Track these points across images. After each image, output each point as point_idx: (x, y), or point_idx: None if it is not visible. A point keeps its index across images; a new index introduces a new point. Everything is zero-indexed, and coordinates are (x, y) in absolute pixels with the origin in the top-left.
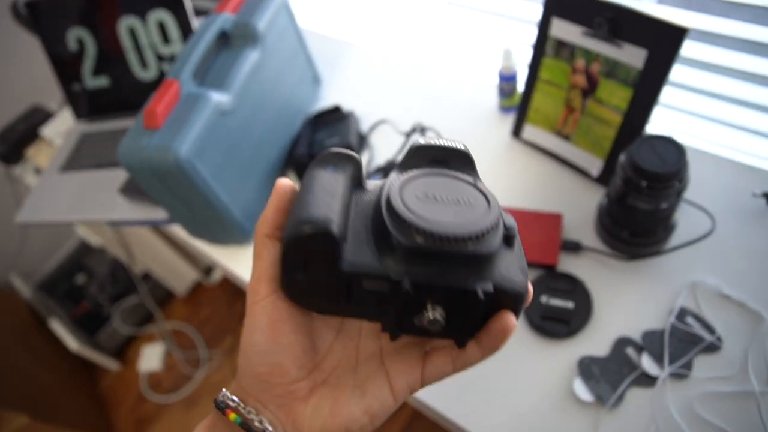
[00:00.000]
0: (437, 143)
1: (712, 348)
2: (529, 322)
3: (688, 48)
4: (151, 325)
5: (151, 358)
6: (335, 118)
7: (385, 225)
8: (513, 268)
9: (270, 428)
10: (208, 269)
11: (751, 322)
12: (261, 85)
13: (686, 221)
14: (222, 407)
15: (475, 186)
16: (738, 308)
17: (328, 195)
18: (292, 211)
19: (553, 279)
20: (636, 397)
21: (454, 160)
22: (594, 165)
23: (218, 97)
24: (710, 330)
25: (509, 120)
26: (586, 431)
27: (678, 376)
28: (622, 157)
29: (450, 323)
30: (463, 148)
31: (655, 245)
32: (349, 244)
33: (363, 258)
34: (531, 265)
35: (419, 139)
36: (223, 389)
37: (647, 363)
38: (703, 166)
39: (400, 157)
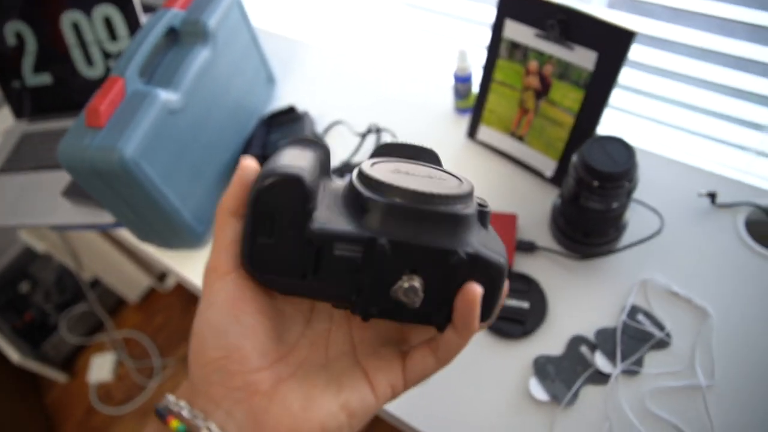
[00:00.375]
0: (404, 142)
1: (662, 344)
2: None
3: (637, 52)
4: (101, 334)
5: (101, 368)
6: (290, 118)
7: (357, 194)
8: (491, 244)
9: None
10: (161, 275)
11: (698, 317)
12: (212, 84)
13: (636, 221)
14: (163, 414)
15: (445, 170)
16: (685, 304)
17: (296, 157)
18: (260, 172)
19: (509, 279)
20: (590, 394)
21: (423, 158)
22: (548, 166)
23: (166, 96)
24: (660, 327)
25: (464, 121)
26: (543, 430)
27: (630, 372)
28: (574, 158)
29: (427, 297)
30: (430, 148)
31: (607, 244)
32: (320, 211)
33: (335, 222)
34: None
35: (386, 140)
36: (167, 394)
37: (600, 361)
38: (651, 167)
39: (356, 159)
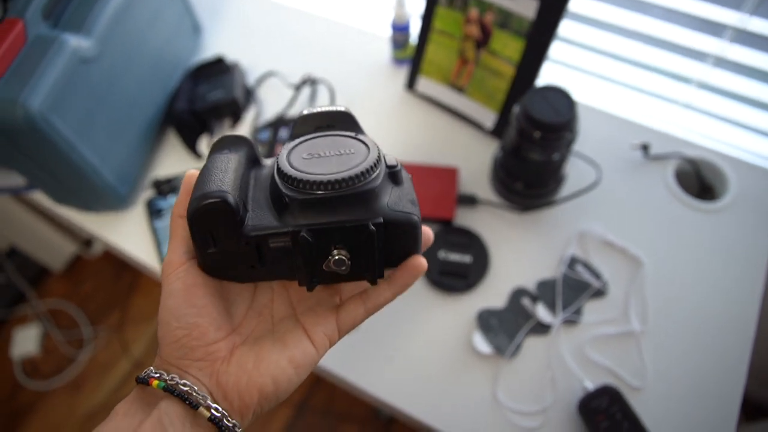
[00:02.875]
0: (319, 110)
1: (600, 293)
2: (428, 278)
3: (576, 3)
4: (23, 306)
5: (25, 341)
6: (218, 70)
7: (279, 192)
8: (402, 201)
9: (195, 387)
10: (87, 241)
11: (632, 266)
12: (130, 30)
13: (575, 173)
14: (144, 380)
15: (355, 138)
16: (621, 254)
17: (221, 172)
18: (195, 189)
19: (450, 233)
20: (532, 345)
21: (339, 122)
22: (488, 118)
23: (77, 42)
24: (597, 276)
25: (403, 72)
26: (487, 382)
27: (570, 322)
28: (516, 109)
29: (355, 262)
30: (344, 109)
31: (547, 196)
32: (251, 212)
33: (264, 221)
34: (427, 220)
35: (303, 112)
36: (149, 368)
37: (542, 312)
38: (587, 120)
39: (291, 112)
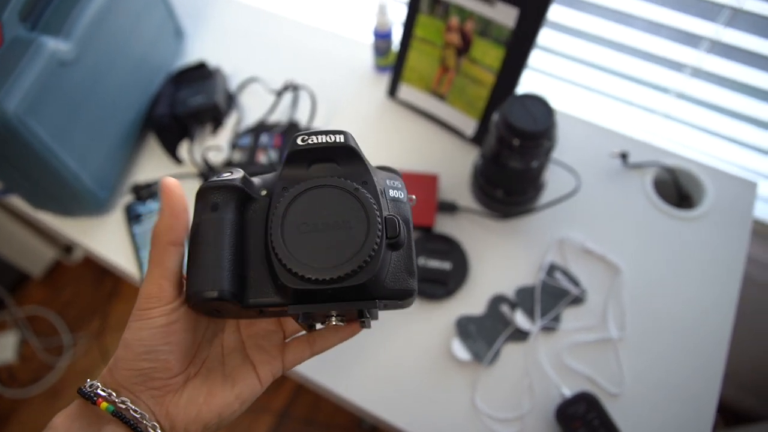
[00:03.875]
0: (316, 142)
1: (578, 300)
2: None
3: (555, 12)
4: (0, 313)
5: (2, 349)
6: (200, 75)
7: (274, 273)
8: (401, 273)
9: (146, 415)
10: (68, 247)
11: (611, 273)
12: (110, 34)
13: (554, 181)
14: (91, 397)
15: (355, 196)
16: (599, 261)
17: (213, 250)
18: (189, 271)
19: (430, 240)
20: (511, 352)
21: (340, 156)
22: (468, 125)
23: (55, 45)
24: (576, 283)
25: (385, 80)
26: (465, 389)
27: (548, 329)
28: (495, 116)
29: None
30: (343, 140)
31: (526, 204)
32: (251, 279)
33: (262, 293)
34: None
35: (297, 139)
36: (89, 380)
37: (520, 319)
38: (567, 128)
39: (272, 118)
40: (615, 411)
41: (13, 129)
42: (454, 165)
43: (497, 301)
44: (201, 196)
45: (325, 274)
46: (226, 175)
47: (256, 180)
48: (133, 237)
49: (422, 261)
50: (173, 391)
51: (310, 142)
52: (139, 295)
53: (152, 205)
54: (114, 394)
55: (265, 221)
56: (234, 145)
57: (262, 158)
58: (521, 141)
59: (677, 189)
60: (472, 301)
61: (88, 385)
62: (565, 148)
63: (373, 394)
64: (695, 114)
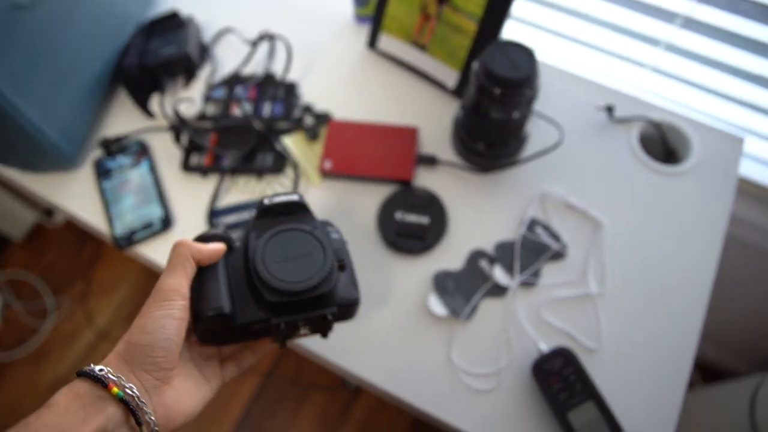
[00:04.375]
0: (278, 201)
1: (558, 255)
2: (384, 240)
3: None
4: None
5: None
6: (172, 25)
7: (260, 294)
8: (347, 286)
9: (149, 411)
10: (48, 210)
11: (592, 229)
12: None
13: (537, 134)
14: (102, 381)
15: (312, 234)
16: (581, 217)
17: (215, 283)
18: (197, 301)
19: (408, 194)
20: (489, 307)
21: (295, 209)
22: (450, 77)
23: None
24: (557, 238)
25: (365, 30)
26: (442, 345)
27: (527, 284)
28: (475, 65)
29: (313, 330)
30: (297, 199)
31: (508, 156)
32: (237, 303)
33: (249, 313)
34: (386, 180)
35: (264, 200)
36: (102, 366)
37: (499, 274)
38: (552, 81)
39: (246, 70)
40: (592, 366)
41: None
42: (435, 118)
43: (476, 256)
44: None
45: (298, 287)
46: (211, 231)
47: (235, 229)
48: (102, 193)
49: (399, 215)
50: (168, 383)
51: (275, 201)
52: (160, 288)
53: (123, 160)
54: (123, 378)
55: (245, 260)
56: (207, 98)
57: (236, 111)
58: (502, 89)
59: (663, 144)
60: (450, 256)
61: (97, 369)
62: (549, 100)
63: (349, 352)
64: (684, 67)
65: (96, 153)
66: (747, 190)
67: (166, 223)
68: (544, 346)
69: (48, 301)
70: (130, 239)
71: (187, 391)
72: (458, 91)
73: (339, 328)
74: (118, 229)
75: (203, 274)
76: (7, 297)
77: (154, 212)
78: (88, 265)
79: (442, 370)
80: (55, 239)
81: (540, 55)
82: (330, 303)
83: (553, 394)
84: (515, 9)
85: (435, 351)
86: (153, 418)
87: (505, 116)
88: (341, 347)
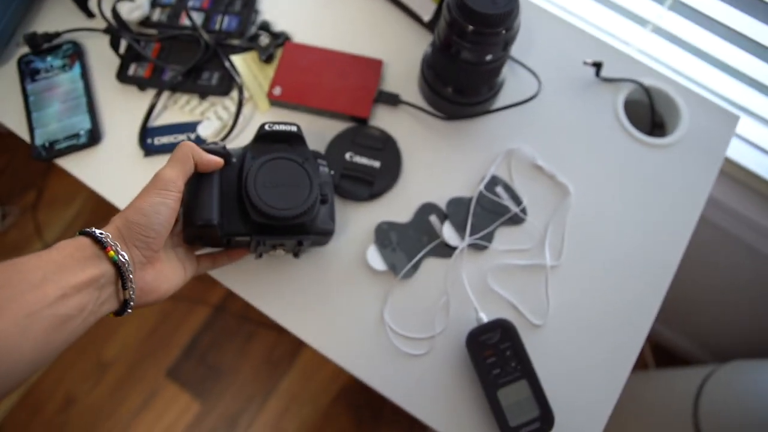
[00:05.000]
0: (277, 129)
1: (516, 220)
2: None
3: None
4: None
5: None
6: None
7: (247, 213)
8: (325, 218)
9: (133, 281)
10: None
11: (558, 195)
12: None
13: (513, 82)
14: (102, 243)
15: (302, 166)
16: (548, 180)
17: (209, 194)
18: (189, 207)
19: (362, 134)
20: (432, 266)
21: (291, 139)
22: (428, 8)
23: None
24: (518, 201)
25: None
26: (376, 302)
27: (477, 247)
28: None
29: (288, 250)
30: (295, 130)
31: (477, 105)
32: (225, 215)
33: (234, 226)
34: (341, 116)
35: (265, 126)
36: (95, 229)
37: (448, 232)
38: (537, 23)
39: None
40: (533, 343)
41: None
42: (404, 53)
43: (426, 209)
44: None
45: (282, 213)
46: (211, 146)
47: (233, 150)
48: (25, 96)
49: (348, 156)
50: (152, 263)
51: (274, 128)
52: (159, 177)
53: (53, 61)
54: (119, 246)
55: (238, 178)
56: (154, 2)
57: (185, 21)
58: (475, 27)
59: (651, 112)
60: (398, 206)
61: (98, 232)
62: (531, 46)
63: (279, 299)
64: (687, 29)
65: (24, 51)
66: (730, 171)
67: (94, 137)
68: (485, 316)
69: None
70: (51, 150)
71: (164, 274)
72: (433, 25)
73: (273, 271)
74: (38, 138)
75: (200, 182)
76: None
77: (82, 123)
78: (41, 176)
79: (373, 329)
80: (7, 144)
81: None
82: (308, 231)
83: (485, 369)
84: None
85: (369, 308)
86: (134, 286)
87: (477, 59)
88: (273, 293)
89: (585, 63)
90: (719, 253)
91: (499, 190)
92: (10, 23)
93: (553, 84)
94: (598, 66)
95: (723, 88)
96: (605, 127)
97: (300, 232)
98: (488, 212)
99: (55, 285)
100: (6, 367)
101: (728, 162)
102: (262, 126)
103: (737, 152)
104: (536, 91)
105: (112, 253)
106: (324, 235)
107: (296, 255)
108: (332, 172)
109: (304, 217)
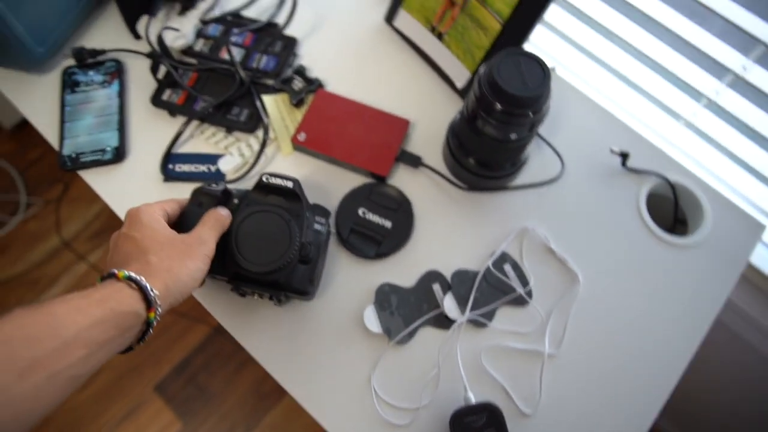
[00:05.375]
0: (273, 183)
1: (520, 301)
2: (337, 233)
3: None
4: None
5: None
6: None
7: (236, 262)
8: (303, 278)
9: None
10: None
11: (566, 282)
12: None
13: (538, 160)
14: (150, 302)
15: (287, 224)
16: (558, 265)
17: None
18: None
19: (379, 192)
20: (428, 336)
21: (286, 194)
22: (461, 75)
23: None
24: (524, 282)
25: (386, 2)
26: (366, 364)
27: (477, 323)
28: (481, 69)
29: (270, 298)
30: (291, 186)
31: (498, 180)
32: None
33: (216, 266)
34: (360, 170)
35: (263, 178)
36: (155, 291)
37: (449, 304)
38: (568, 102)
39: (247, 13)
40: None
41: None
42: (434, 116)
43: (431, 277)
44: (194, 194)
45: (252, 267)
46: (213, 187)
47: (234, 191)
48: (63, 105)
49: (362, 212)
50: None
51: (271, 182)
52: (204, 241)
53: (94, 76)
54: (160, 309)
55: (230, 239)
56: (199, 33)
57: (225, 55)
58: (503, 106)
59: (675, 208)
60: (403, 269)
61: (150, 288)
62: (559, 124)
63: (269, 344)
64: (721, 130)
65: (69, 62)
66: (748, 276)
67: (119, 154)
68: (473, 397)
69: (21, 196)
70: (76, 161)
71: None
72: (465, 94)
73: (264, 311)
74: (66, 148)
75: (184, 223)
76: None
77: (110, 140)
78: (70, 172)
79: (358, 390)
80: (42, 138)
81: (562, 70)
82: (281, 288)
83: None
84: (549, 15)
85: (357, 368)
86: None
87: (502, 136)
88: (260, 333)
89: (612, 151)
90: (727, 355)
91: (507, 268)
92: (62, 35)
93: (577, 166)
94: (624, 156)
95: (752, 193)
96: (625, 219)
97: (273, 287)
98: (493, 289)
99: (83, 343)
100: (12, 428)
101: (748, 267)
102: (261, 176)
103: (759, 257)
104: (558, 175)
105: (152, 314)
106: (299, 294)
107: (278, 303)
108: (332, 230)
109: (275, 275)
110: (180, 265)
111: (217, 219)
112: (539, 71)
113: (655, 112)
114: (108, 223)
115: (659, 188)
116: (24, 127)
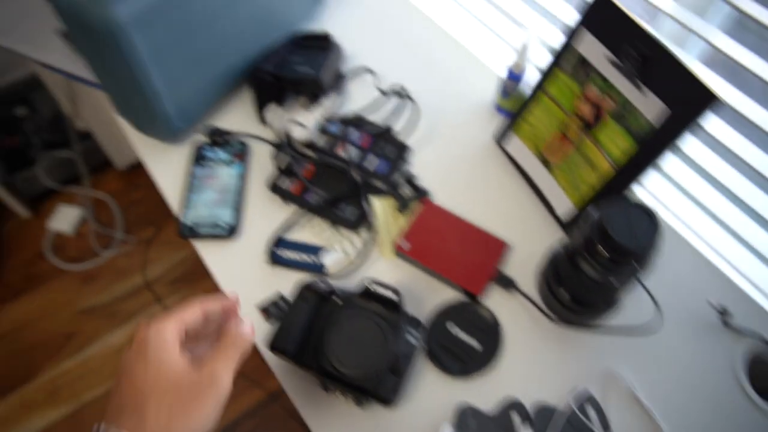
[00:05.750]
0: (376, 292)
1: None
2: (426, 346)
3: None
4: (75, 187)
5: (64, 218)
6: (319, 45)
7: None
8: (389, 386)
9: None
10: None
11: None
12: None
13: (634, 303)
14: None
15: (384, 334)
16: (642, 415)
17: (294, 326)
18: (279, 329)
19: (471, 310)
20: None
21: (387, 302)
22: (565, 207)
23: None
24: (605, 427)
25: (497, 121)
26: None
27: None
28: (593, 213)
29: (352, 399)
30: (395, 299)
31: (591, 319)
32: (305, 345)
33: (307, 358)
34: (453, 285)
35: (368, 285)
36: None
37: None
38: (671, 248)
39: (374, 118)
40: None
41: (115, 36)
42: (532, 242)
43: (512, 406)
44: (302, 289)
45: (343, 369)
46: (321, 285)
47: (339, 291)
48: (190, 176)
49: (450, 327)
50: None
51: (375, 289)
52: (224, 386)
53: (221, 154)
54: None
55: (329, 319)
56: (321, 129)
57: (341, 152)
58: (608, 252)
59: None
60: (485, 393)
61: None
62: (660, 268)
63: None
64: None
65: (200, 138)
66: None
67: (232, 231)
68: None
69: (118, 233)
70: (193, 231)
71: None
72: (567, 226)
73: (342, 408)
74: (187, 218)
75: (294, 309)
76: (87, 214)
77: (225, 217)
78: (165, 216)
79: None
80: (149, 181)
81: (668, 216)
82: (366, 392)
83: None
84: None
85: None
86: None
87: (602, 279)
88: (333, 427)
89: (710, 305)
90: None
91: (591, 411)
92: (199, 113)
93: (673, 316)
94: (724, 313)
95: None
96: (720, 381)
97: (358, 389)
98: (573, 429)
99: None
100: None
101: None
102: (366, 283)
103: None
104: (653, 326)
105: None
106: (382, 401)
107: (359, 405)
108: (424, 344)
109: (363, 381)
110: (183, 419)
111: (237, 345)
112: (649, 224)
113: (757, 266)
114: (192, 268)
115: (759, 350)
116: (133, 170)
